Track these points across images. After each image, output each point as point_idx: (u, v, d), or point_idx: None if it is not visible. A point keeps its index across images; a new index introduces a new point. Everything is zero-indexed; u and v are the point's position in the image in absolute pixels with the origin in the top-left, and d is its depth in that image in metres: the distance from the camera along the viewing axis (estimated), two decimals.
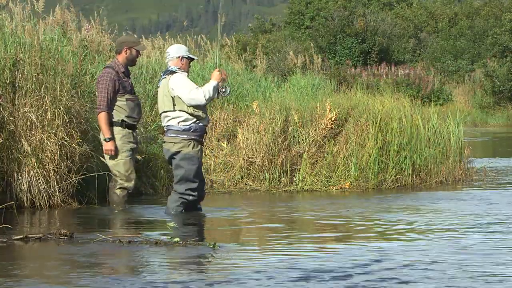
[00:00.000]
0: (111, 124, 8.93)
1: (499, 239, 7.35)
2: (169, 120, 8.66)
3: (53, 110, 9.27)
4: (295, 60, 19.19)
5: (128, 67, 9.31)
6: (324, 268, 5.95)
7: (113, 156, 8.91)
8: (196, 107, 8.62)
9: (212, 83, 8.69)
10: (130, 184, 9.01)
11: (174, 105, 8.61)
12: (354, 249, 6.82)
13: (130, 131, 9.05)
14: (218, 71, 8.81)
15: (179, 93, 8.57)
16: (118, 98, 8.98)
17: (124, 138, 8.97)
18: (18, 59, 9.27)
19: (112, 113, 8.95)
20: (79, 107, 9.58)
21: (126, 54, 9.14)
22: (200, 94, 8.57)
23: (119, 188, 9.00)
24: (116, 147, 8.89)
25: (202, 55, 15.34)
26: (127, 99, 9.01)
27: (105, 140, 8.88)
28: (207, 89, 8.61)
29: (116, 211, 8.99)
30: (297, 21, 54.63)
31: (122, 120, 8.97)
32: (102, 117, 8.89)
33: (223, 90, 8.77)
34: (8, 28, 9.70)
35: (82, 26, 12.64)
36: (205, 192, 9.05)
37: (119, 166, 8.95)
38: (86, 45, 11.81)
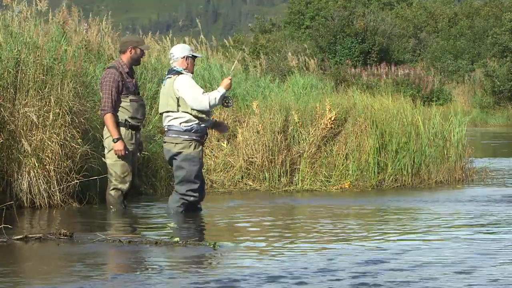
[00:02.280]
0: (117, 124, 8.91)
1: (499, 239, 7.35)
2: (170, 120, 8.62)
3: (57, 110, 9.27)
4: (294, 61, 19.17)
5: (133, 67, 9.30)
6: (323, 268, 5.95)
7: (123, 156, 8.88)
8: (200, 110, 8.59)
9: (221, 91, 8.62)
10: (124, 186, 8.99)
11: (178, 105, 8.57)
12: (353, 250, 6.82)
13: (134, 132, 9.03)
14: (230, 79, 8.77)
15: (184, 95, 8.53)
16: (122, 99, 8.95)
17: (126, 140, 8.93)
18: (20, 59, 9.26)
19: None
20: (80, 107, 9.57)
21: (131, 53, 9.10)
22: (206, 99, 8.52)
23: (113, 189, 8.99)
24: (125, 147, 8.86)
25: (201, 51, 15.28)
26: (131, 100, 8.99)
27: (113, 141, 8.85)
28: (214, 97, 8.56)
29: (114, 210, 8.98)
30: (297, 21, 54.63)
31: (126, 120, 8.95)
32: (108, 119, 8.86)
33: (227, 101, 8.72)
34: (15, 28, 9.69)
35: (81, 26, 12.65)
36: (205, 192, 9.04)
37: (116, 166, 8.93)
38: (85, 45, 11.79)
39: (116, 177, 8.93)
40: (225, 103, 8.71)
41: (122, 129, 8.92)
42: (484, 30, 45.50)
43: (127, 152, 8.87)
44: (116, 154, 8.87)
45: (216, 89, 8.83)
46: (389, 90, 14.22)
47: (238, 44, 36.62)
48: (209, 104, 8.53)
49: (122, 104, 8.95)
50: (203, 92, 8.57)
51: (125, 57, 9.10)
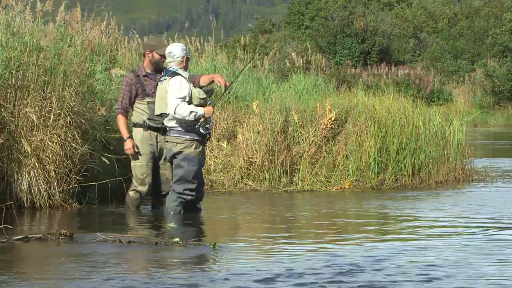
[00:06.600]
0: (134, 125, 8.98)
1: (497, 239, 7.36)
2: (170, 120, 8.63)
3: (58, 111, 9.27)
4: (296, 61, 19.16)
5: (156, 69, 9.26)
6: (322, 268, 5.96)
7: (134, 156, 8.91)
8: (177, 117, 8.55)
9: (199, 111, 8.53)
10: (143, 188, 9.03)
11: None
12: (352, 250, 6.83)
13: (156, 133, 9.03)
14: (213, 108, 8.74)
15: (167, 98, 8.56)
16: (138, 101, 9.01)
17: (144, 140, 8.95)
18: (21, 60, 9.25)
19: (133, 115, 9.03)
20: (80, 108, 9.57)
21: (148, 57, 9.16)
22: (173, 104, 8.46)
23: (132, 190, 9.06)
24: (134, 146, 8.89)
25: (198, 55, 15.27)
26: (148, 102, 9.01)
27: (123, 140, 8.94)
28: (185, 108, 8.45)
29: (130, 209, 9.04)
30: (297, 21, 54.66)
31: (144, 122, 8.99)
32: (118, 119, 9.01)
33: (207, 126, 8.62)
34: (16, 29, 9.67)
35: (83, 26, 12.64)
36: (204, 193, 9.04)
37: (136, 168, 9.00)
38: (84, 46, 11.77)
39: (136, 178, 9.02)
40: (203, 128, 8.58)
41: (140, 130, 8.98)
42: (484, 30, 45.51)
43: (137, 150, 8.91)
44: (126, 153, 8.94)
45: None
46: (391, 90, 14.15)
47: (238, 44, 36.58)
48: (175, 111, 8.47)
49: (140, 106, 9.02)
50: (182, 100, 8.53)
51: (145, 61, 9.21)
